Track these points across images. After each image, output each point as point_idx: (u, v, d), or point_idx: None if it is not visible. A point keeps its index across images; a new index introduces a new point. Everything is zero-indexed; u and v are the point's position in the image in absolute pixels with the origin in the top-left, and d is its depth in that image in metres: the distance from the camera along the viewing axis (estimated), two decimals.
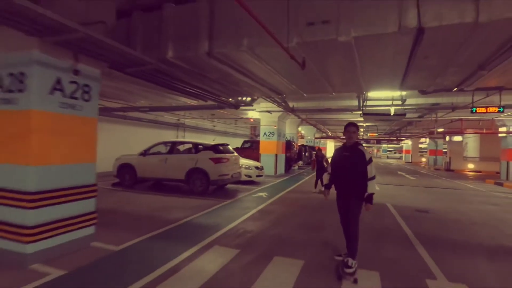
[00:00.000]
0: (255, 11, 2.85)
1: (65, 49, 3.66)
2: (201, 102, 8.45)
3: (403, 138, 31.35)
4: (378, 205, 7.37)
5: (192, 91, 6.36)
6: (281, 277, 3.39)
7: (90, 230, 4.20)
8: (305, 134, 27.45)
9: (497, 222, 6.50)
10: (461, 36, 3.21)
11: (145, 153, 9.48)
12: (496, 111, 8.51)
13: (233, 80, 5.81)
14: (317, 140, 28.93)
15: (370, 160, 3.44)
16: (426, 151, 37.81)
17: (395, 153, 56.90)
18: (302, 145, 22.59)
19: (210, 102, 8.01)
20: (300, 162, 20.62)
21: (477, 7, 2.78)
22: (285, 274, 3.47)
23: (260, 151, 14.61)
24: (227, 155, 9.06)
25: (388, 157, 56.25)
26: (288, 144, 16.69)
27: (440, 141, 30.77)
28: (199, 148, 9.09)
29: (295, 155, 18.50)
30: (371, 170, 3.41)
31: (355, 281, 3.28)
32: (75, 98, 3.91)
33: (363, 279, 3.35)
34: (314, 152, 11.67)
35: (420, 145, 41.54)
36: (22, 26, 3.06)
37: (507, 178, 15.03)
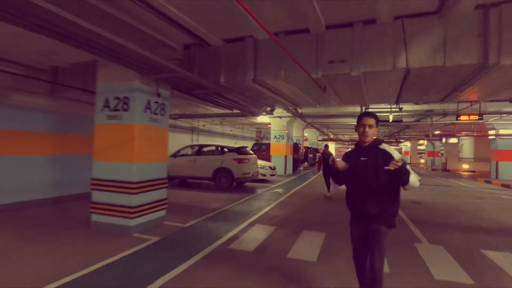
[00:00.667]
0: (289, 50, 4.24)
1: (154, 79, 5.08)
2: (226, 110, 9.85)
3: (402, 140, 32.74)
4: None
5: (225, 102, 7.76)
6: (312, 241, 4.78)
7: (163, 213, 5.60)
8: (309, 137, 28.84)
9: (478, 210, 7.88)
10: (436, 72, 4.59)
11: (175, 155, 10.88)
12: (477, 119, 9.93)
13: (264, 96, 7.23)
14: (320, 142, 30.31)
15: (404, 164, 2.25)
16: (424, 153, 39.21)
17: None
18: (307, 147, 23.99)
19: (235, 111, 9.42)
20: (306, 163, 22.02)
21: (444, 56, 4.18)
22: (314, 239, 4.86)
23: (271, 153, 16.02)
24: (248, 156, 10.46)
25: None
26: (295, 146, 18.09)
27: (437, 143, 32.15)
28: (224, 150, 10.50)
29: (302, 157, 19.90)
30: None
31: None
32: (156, 114, 5.32)
33: None
34: (318, 154, 12.75)
35: (419, 147, 42.93)
36: (136, 66, 4.45)
37: (496, 177, 16.42)
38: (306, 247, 4.51)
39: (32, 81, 5.95)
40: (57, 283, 3.11)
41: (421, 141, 36.98)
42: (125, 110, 4.86)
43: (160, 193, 5.47)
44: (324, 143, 26.88)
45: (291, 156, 17.02)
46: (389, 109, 10.94)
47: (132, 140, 4.81)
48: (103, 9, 4.08)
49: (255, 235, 5.03)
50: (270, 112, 9.30)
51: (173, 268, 3.57)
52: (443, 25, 4.21)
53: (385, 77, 5.07)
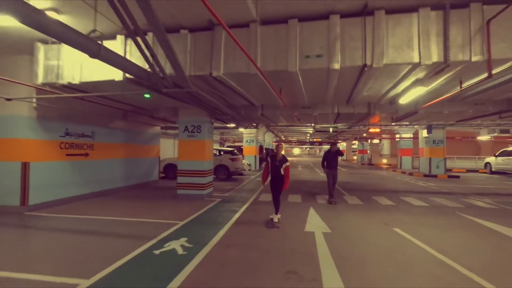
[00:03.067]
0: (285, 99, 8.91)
1: (210, 115, 9.37)
2: (223, 124, 14.18)
3: (339, 141, 39.95)
4: (323, 181, 14.00)
5: (230, 121, 12.16)
6: (296, 198, 9.54)
7: (211, 189, 9.86)
8: (266, 139, 34.01)
9: (380, 184, 13.54)
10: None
11: None
12: (379, 130, 15.88)
13: (258, 118, 11.81)
14: (275, 143, 35.71)
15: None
16: (357, 151, 47.46)
17: None
18: (267, 148, 29.01)
19: (231, 124, 13.82)
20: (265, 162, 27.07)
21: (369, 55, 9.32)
22: (296, 197, 9.64)
23: (244, 153, 20.57)
24: (238, 156, 14.92)
25: None
26: (261, 148, 22.91)
27: (365, 143, 40.02)
28: (221, 152, 14.79)
29: (264, 156, 24.84)
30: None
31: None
32: (210, 133, 9.59)
33: (321, 199, 9.68)
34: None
35: (353, 146, 51.37)
36: (207, 110, 8.70)
37: (400, 167, 23.37)
38: (294, 200, 9.27)
39: (126, 112, 9.71)
40: (189, 219, 7.18)
41: (354, 142, 44.98)
42: (198, 132, 9.07)
43: (210, 178, 9.74)
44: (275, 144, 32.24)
45: (258, 155, 21.78)
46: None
47: (203, 148, 9.05)
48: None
49: (264, 197, 9.60)
50: (256, 127, 13.94)
51: (240, 207, 7.98)
52: None
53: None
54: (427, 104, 7.45)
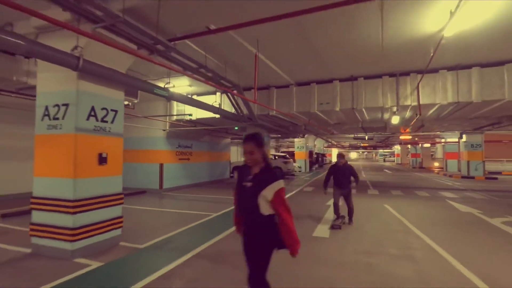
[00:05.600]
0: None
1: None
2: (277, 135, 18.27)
3: (380, 145, 40.99)
4: (363, 181, 17.09)
5: (281, 133, 16.15)
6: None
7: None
8: (317, 145, 37.21)
9: (409, 183, 16.13)
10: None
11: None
12: (410, 138, 18.19)
13: (303, 132, 15.60)
14: (326, 148, 38.66)
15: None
16: None
17: (390, 156, 66.35)
18: (317, 153, 32.32)
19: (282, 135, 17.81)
20: (317, 165, 30.36)
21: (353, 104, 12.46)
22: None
23: (295, 158, 24.38)
24: (289, 159, 18.85)
25: (384, 160, 65.76)
26: (310, 153, 26.44)
27: (418, 147, 40.34)
28: (276, 156, 18.90)
29: (315, 160, 28.29)
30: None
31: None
32: (267, 142, 13.72)
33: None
34: (326, 158, 20.59)
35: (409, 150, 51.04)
36: (266, 129, 12.85)
37: (446, 170, 24.62)
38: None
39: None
40: None
41: (408, 146, 45.17)
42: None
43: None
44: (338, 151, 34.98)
45: (308, 160, 25.35)
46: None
47: None
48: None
49: (307, 188, 13.34)
50: (303, 136, 17.74)
51: (287, 194, 11.87)
52: None
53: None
54: (412, 122, 10.59)
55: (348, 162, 6.57)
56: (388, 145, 44.95)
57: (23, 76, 6.35)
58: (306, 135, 18.13)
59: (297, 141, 24.37)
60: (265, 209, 2.26)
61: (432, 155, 36.83)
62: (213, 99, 9.90)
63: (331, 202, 9.61)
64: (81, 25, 4.26)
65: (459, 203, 9.47)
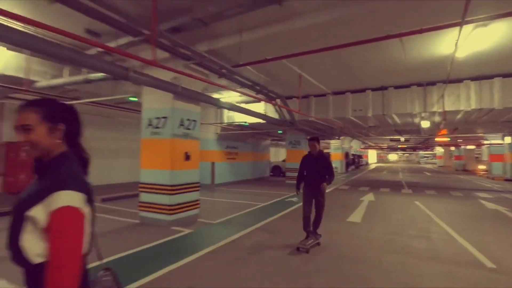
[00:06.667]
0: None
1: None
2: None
3: (420, 147, 39.85)
4: (398, 182, 17.70)
5: (317, 132, 17.33)
6: (363, 189, 14.09)
7: None
8: (354, 146, 37.48)
9: (445, 184, 16.46)
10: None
11: (285, 160, 20.66)
12: (448, 140, 18.30)
13: (338, 134, 16.66)
14: (363, 150, 38.73)
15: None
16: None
17: (432, 158, 63.58)
18: (354, 154, 32.74)
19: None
20: (353, 167, 30.87)
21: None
22: (363, 188, 14.17)
23: (332, 158, 25.26)
24: None
25: (425, 163, 63.20)
26: (346, 154, 27.12)
27: (462, 149, 38.77)
28: None
29: (350, 161, 28.88)
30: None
31: None
32: (305, 144, 15.06)
33: (378, 188, 13.95)
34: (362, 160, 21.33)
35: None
36: (304, 132, 14.19)
37: (491, 172, 23.95)
38: (362, 189, 13.83)
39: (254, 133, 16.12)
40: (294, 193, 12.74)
41: (452, 148, 43.41)
42: (299, 145, 14.64)
43: None
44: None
45: (344, 160, 26.08)
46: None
47: (301, 154, 14.58)
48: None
49: (343, 187, 14.41)
50: (338, 138, 18.75)
51: (344, 181, 13.10)
52: None
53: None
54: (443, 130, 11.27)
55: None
56: (429, 147, 43.65)
57: (121, 94, 8.38)
58: (342, 137, 19.12)
59: (333, 142, 25.26)
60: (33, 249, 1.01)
61: (477, 157, 35.32)
62: (259, 107, 11.49)
63: (365, 198, 10.74)
64: (176, 61, 6.01)
65: (490, 202, 10.06)
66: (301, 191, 5.07)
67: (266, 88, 8.79)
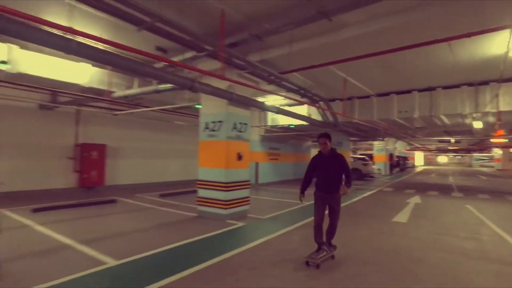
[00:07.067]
0: None
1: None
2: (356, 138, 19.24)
3: (474, 148, 36.77)
4: (448, 185, 16.91)
5: (359, 133, 17.15)
6: (410, 190, 13.76)
7: None
8: (398, 148, 35.98)
9: (499, 188, 15.39)
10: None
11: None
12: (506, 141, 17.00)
13: (382, 135, 16.39)
14: (409, 151, 36.98)
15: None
16: None
17: (489, 161, 58.23)
18: (398, 156, 31.51)
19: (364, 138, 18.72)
20: (397, 169, 29.73)
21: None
22: (410, 191, 13.83)
23: (375, 160, 24.68)
24: (368, 162, 19.62)
25: (481, 166, 58.05)
26: (390, 156, 26.26)
27: None
28: (355, 158, 19.90)
29: (395, 163, 27.87)
30: None
31: None
32: (347, 145, 15.08)
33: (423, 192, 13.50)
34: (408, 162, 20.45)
35: None
36: (347, 133, 14.25)
37: None
38: (408, 191, 13.52)
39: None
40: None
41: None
42: (341, 145, 14.72)
43: None
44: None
45: (388, 162, 25.29)
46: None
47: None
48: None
49: (387, 189, 14.19)
50: (382, 140, 18.39)
51: (388, 183, 13.05)
52: None
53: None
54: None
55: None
56: (485, 149, 40.35)
57: (183, 101, 9.31)
58: (385, 138, 18.71)
59: (377, 143, 24.65)
60: None
61: None
62: (302, 109, 11.87)
63: (411, 200, 10.61)
64: (231, 70, 6.68)
65: None
66: (314, 195, 4.42)
67: (310, 92, 9.18)
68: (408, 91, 9.74)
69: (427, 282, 3.68)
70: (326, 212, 4.39)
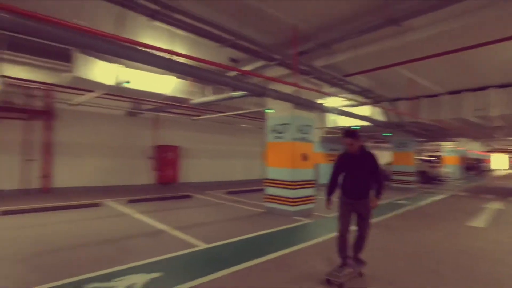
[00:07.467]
0: None
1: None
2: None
3: None
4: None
5: (426, 133, 16.12)
6: (483, 198, 12.59)
7: (413, 185, 14.57)
8: (472, 149, 32.54)
9: None
10: None
11: (389, 163, 19.86)
12: None
13: (451, 136, 15.25)
14: (485, 153, 33.17)
15: None
16: None
17: None
18: (473, 159, 28.53)
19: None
20: (472, 172, 26.97)
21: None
22: (486, 197, 12.64)
23: (445, 162, 22.83)
24: (436, 164, 18.32)
25: None
26: (463, 158, 23.99)
27: None
28: (421, 160, 18.74)
29: (469, 166, 25.44)
30: None
31: None
32: (413, 146, 14.40)
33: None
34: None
35: None
36: (412, 134, 13.62)
37: None
38: (484, 196, 12.39)
39: None
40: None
41: None
42: (405, 146, 14.14)
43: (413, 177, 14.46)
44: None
45: (459, 165, 23.14)
46: None
47: (409, 156, 13.99)
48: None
49: (460, 193, 13.17)
50: (454, 140, 17.06)
51: (460, 187, 12.30)
52: None
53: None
54: None
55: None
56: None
57: (250, 105, 9.99)
58: (457, 139, 17.30)
59: (447, 144, 22.77)
60: None
61: None
62: (364, 110, 11.77)
63: (488, 205, 9.81)
64: (297, 76, 7.13)
65: None
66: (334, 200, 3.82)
67: (373, 92, 9.18)
68: (482, 88, 9.08)
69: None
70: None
